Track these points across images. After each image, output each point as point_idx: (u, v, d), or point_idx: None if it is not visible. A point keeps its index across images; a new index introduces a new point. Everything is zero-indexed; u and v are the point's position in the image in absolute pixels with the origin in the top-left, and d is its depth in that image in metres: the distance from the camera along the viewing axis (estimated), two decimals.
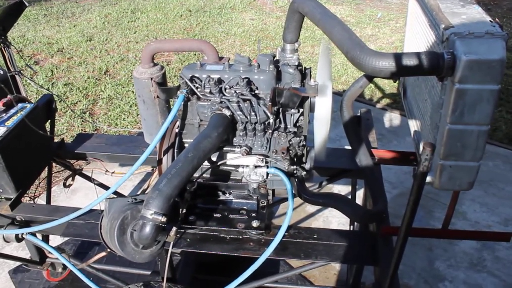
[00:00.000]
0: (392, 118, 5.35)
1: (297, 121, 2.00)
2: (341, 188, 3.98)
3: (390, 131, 5.12)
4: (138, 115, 5.35)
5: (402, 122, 5.24)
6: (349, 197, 2.84)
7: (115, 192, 2.78)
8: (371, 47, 1.51)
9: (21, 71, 2.63)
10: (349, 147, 2.32)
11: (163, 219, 1.58)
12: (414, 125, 2.09)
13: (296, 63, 2.03)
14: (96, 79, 6.23)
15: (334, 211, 3.88)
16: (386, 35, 7.85)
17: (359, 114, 2.67)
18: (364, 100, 5.76)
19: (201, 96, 1.97)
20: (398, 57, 1.40)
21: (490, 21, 1.47)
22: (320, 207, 3.97)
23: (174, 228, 1.79)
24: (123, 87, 6.01)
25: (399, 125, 5.23)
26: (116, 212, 1.70)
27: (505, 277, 3.34)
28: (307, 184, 2.04)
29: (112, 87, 5.97)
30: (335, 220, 3.85)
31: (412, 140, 2.12)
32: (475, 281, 3.33)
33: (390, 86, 5.98)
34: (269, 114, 1.89)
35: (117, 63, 6.73)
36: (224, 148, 2.02)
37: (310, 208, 3.97)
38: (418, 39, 1.97)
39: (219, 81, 1.98)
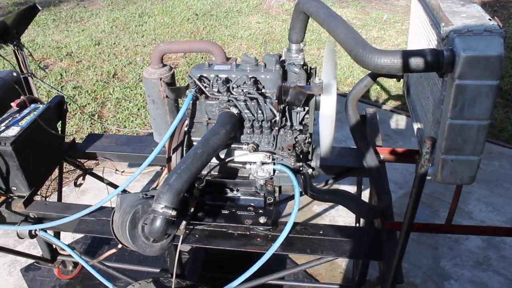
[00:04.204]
0: (397, 119, 5.38)
1: (302, 119, 2.04)
2: (346, 187, 4.01)
3: (396, 132, 5.15)
4: (146, 117, 5.42)
5: (407, 123, 5.27)
6: None
7: (125, 191, 2.84)
8: None
9: (33, 73, 2.70)
10: (355, 147, 2.36)
11: (173, 213, 1.63)
12: (417, 122, 2.13)
13: (302, 63, 2.07)
14: (105, 82, 6.32)
15: (340, 210, 3.95)
16: (392, 37, 7.89)
17: (364, 114, 2.71)
18: (370, 101, 5.80)
19: (209, 95, 2.03)
20: (399, 54, 1.44)
21: (489, 19, 1.52)
22: (326, 206, 4.02)
23: (183, 222, 1.84)
24: (131, 90, 6.09)
25: (404, 126, 5.26)
26: (128, 206, 1.75)
27: (511, 276, 3.36)
28: (313, 182, 2.09)
29: (120, 90, 6.05)
30: (341, 219, 3.88)
31: (415, 138, 2.16)
32: (481, 279, 3.35)
33: (395, 87, 6.01)
34: (275, 112, 1.94)
35: (125, 66, 6.81)
36: (232, 146, 2.07)
37: (317, 207, 4.01)
38: (420, 38, 2.01)
39: (227, 80, 2.03)
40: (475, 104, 1.47)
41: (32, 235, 2.39)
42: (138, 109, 5.61)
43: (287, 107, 1.99)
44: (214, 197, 2.13)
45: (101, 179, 3.11)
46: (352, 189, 3.70)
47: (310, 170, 2.04)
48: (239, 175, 2.16)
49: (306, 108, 2.00)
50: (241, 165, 2.12)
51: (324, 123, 1.80)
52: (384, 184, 2.16)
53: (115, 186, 3.18)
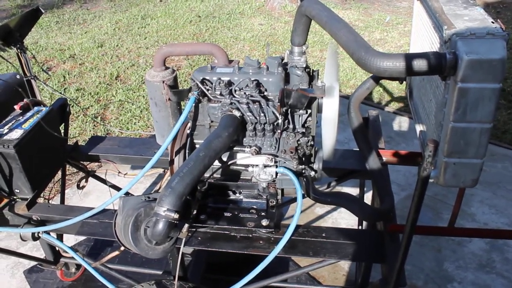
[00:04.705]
0: (400, 121, 5.37)
1: (305, 121, 2.04)
2: (349, 190, 4.00)
3: (399, 134, 5.14)
4: (148, 119, 5.43)
5: (410, 125, 5.26)
6: None
7: (127, 193, 2.84)
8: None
9: (36, 76, 2.71)
10: (357, 149, 2.36)
11: (176, 215, 1.63)
12: (420, 125, 2.13)
13: (304, 65, 2.08)
14: (108, 84, 6.33)
15: (343, 213, 3.94)
16: (395, 39, 7.88)
17: (367, 116, 2.71)
18: (373, 103, 5.80)
19: (211, 97, 2.03)
20: (402, 57, 1.44)
21: (492, 22, 1.52)
22: (329, 209, 4.01)
23: (186, 225, 1.84)
24: (134, 92, 6.10)
25: (407, 128, 5.25)
26: (130, 209, 1.76)
27: None
28: (316, 185, 2.09)
29: (123, 92, 6.06)
30: (344, 221, 3.88)
31: (418, 141, 2.16)
32: (484, 282, 3.34)
33: (398, 89, 6.00)
34: (278, 114, 1.94)
35: (128, 68, 6.82)
36: (234, 148, 2.07)
37: (319, 210, 4.01)
38: (423, 41, 2.01)
39: (229, 83, 2.04)
40: (477, 107, 1.46)
41: (35, 238, 2.40)
42: (141, 111, 5.62)
43: (289, 109, 1.99)
44: (216, 199, 2.13)
45: (103, 181, 3.12)
46: (354, 191, 3.70)
47: (312, 173, 2.04)
48: (241, 177, 2.16)
49: (309, 111, 2.00)
50: (243, 168, 2.12)
51: (326, 125, 1.80)
52: (386, 186, 2.16)
53: (117, 189, 3.18)
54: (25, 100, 2.46)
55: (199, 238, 2.11)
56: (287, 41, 7.68)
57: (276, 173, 2.00)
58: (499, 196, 4.14)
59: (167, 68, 2.40)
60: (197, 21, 8.84)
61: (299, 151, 1.99)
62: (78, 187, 3.02)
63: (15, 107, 2.42)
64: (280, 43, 7.72)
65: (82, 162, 2.99)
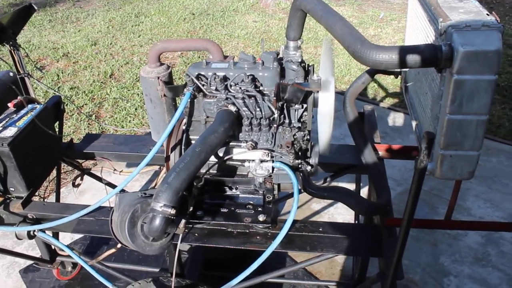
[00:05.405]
0: (395, 117, 5.38)
1: (301, 116, 2.04)
2: (345, 185, 4.01)
3: (394, 129, 5.15)
4: (143, 117, 5.41)
5: (405, 121, 5.27)
6: None
7: (123, 191, 2.83)
8: None
9: (30, 73, 2.69)
10: (353, 144, 2.36)
11: (172, 211, 1.62)
12: (415, 119, 2.13)
13: (299, 60, 2.07)
14: (102, 82, 6.30)
15: (340, 208, 3.95)
16: (389, 35, 7.89)
17: (362, 111, 2.71)
18: (368, 99, 5.80)
19: (207, 93, 2.02)
20: (397, 49, 1.44)
21: (487, 14, 1.52)
22: (325, 204, 4.01)
23: (183, 221, 1.84)
24: (128, 90, 6.07)
25: (402, 123, 5.26)
26: (127, 206, 1.75)
27: (510, 271, 3.36)
28: (312, 180, 2.08)
29: (117, 90, 6.03)
30: (340, 217, 3.88)
31: (414, 135, 2.16)
32: (480, 275, 3.35)
33: (393, 85, 6.01)
34: (273, 109, 1.94)
35: (122, 66, 6.79)
36: (230, 144, 2.06)
37: (316, 205, 4.01)
38: (418, 34, 2.01)
39: (225, 78, 2.03)
40: (473, 99, 1.46)
41: (30, 236, 2.38)
42: (136, 109, 5.60)
43: (285, 104, 1.99)
44: (213, 195, 2.13)
45: (99, 179, 3.10)
46: (351, 186, 3.71)
47: (308, 168, 2.04)
48: (237, 173, 2.16)
49: (305, 105, 2.00)
50: (239, 163, 2.12)
51: (322, 119, 1.80)
52: (383, 180, 2.16)
53: (113, 186, 3.17)
54: (18, 97, 2.44)
55: (196, 234, 2.11)
56: (281, 38, 7.68)
57: (273, 168, 2.00)
58: (494, 190, 4.16)
59: (162, 64, 2.39)
60: (191, 18, 8.81)
61: (295, 145, 1.99)
62: (74, 185, 3.01)
63: (9, 104, 2.40)
64: (274, 40, 7.71)
65: (77, 160, 2.97)
